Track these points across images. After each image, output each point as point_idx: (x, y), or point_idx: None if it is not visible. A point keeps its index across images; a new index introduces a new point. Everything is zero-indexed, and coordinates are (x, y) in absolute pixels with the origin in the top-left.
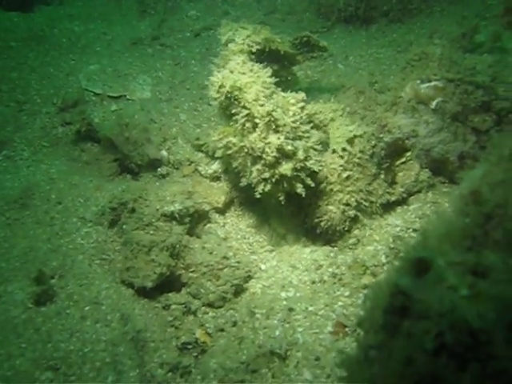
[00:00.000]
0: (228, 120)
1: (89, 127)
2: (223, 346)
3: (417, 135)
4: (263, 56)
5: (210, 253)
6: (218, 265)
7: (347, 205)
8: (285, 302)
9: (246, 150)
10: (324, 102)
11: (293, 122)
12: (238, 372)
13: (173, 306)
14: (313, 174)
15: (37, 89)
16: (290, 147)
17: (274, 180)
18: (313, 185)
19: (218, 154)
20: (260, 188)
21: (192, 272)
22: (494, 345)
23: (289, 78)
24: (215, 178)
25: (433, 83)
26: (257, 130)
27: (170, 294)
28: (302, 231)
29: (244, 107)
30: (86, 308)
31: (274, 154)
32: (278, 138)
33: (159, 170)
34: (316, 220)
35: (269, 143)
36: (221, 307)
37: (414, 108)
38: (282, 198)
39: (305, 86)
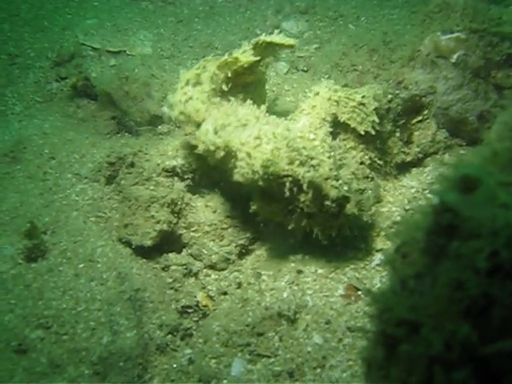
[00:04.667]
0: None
1: (85, 82)
2: (226, 308)
3: (435, 92)
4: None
5: (214, 211)
6: (222, 224)
7: (361, 163)
8: (293, 264)
9: (298, 210)
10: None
11: (328, 157)
12: (242, 335)
13: (173, 267)
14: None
15: (30, 42)
16: (345, 189)
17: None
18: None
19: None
20: (326, 235)
21: (194, 231)
22: None
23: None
24: None
25: (455, 34)
26: (307, 193)
27: (169, 255)
28: None
29: (285, 176)
30: (80, 265)
31: (335, 204)
32: (333, 187)
33: (159, 127)
34: None
35: (325, 196)
36: (224, 269)
37: (433, 62)
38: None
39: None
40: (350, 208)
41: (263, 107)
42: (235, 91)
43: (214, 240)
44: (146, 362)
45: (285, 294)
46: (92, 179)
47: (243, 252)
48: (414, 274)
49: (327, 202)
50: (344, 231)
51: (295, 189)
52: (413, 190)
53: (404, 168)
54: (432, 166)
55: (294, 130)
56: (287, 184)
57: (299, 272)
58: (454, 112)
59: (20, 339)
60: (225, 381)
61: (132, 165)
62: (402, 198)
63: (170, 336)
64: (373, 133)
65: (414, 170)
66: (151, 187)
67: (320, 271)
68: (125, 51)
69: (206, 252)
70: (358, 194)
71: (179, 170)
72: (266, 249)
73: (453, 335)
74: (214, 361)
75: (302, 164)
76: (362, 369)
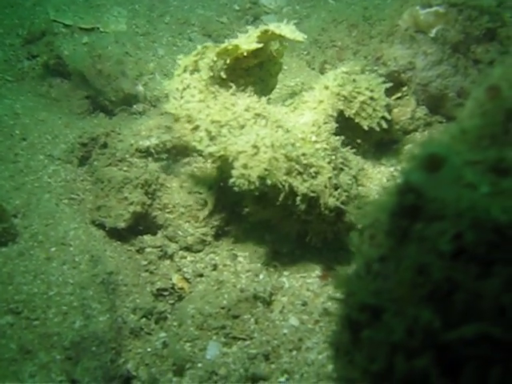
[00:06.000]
0: None
1: (57, 60)
2: (202, 291)
3: (414, 68)
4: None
5: (189, 192)
6: (198, 205)
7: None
8: (269, 245)
9: (294, 216)
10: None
11: (328, 162)
12: (217, 318)
13: (147, 250)
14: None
15: None
16: (344, 198)
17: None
18: None
19: None
20: (321, 239)
21: (169, 213)
22: None
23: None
24: None
25: (434, 8)
26: (302, 204)
27: (144, 237)
28: None
29: (282, 186)
30: (52, 249)
31: (333, 213)
32: (332, 197)
33: (135, 106)
34: None
35: (324, 204)
36: (200, 251)
37: (412, 37)
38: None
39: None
40: (349, 216)
41: (264, 99)
42: (235, 75)
43: (189, 221)
44: (119, 347)
45: (261, 276)
46: (65, 160)
47: (219, 233)
48: (378, 257)
49: (325, 212)
50: (340, 235)
51: (291, 197)
52: (391, 169)
53: (383, 146)
54: (411, 144)
55: (294, 130)
56: (282, 194)
57: (275, 253)
58: (434, 88)
59: None
60: (200, 364)
61: (105, 145)
62: (380, 177)
63: (144, 319)
64: (377, 129)
65: (394, 148)
66: (124, 168)
67: (297, 252)
68: (98, 28)
69: (181, 234)
70: (357, 199)
71: (153, 151)
72: (242, 230)
73: (415, 321)
74: (188, 344)
75: (299, 174)
76: (331, 352)
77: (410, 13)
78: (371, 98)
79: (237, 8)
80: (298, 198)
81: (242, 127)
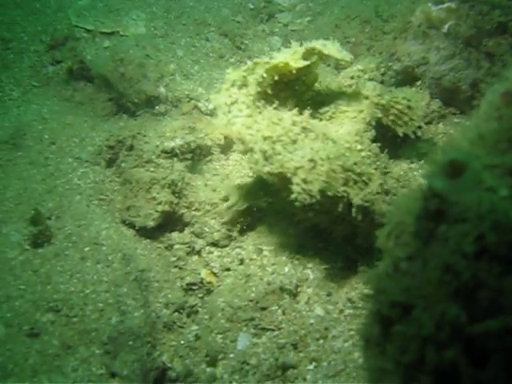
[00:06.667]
0: None
1: (81, 65)
2: (230, 284)
3: (427, 62)
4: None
5: (214, 190)
6: (223, 202)
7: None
8: (294, 239)
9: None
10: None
11: (375, 169)
12: (246, 310)
13: (176, 246)
14: None
15: (23, 26)
16: None
17: None
18: None
19: None
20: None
21: (195, 210)
22: None
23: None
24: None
25: (445, 4)
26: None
27: (172, 234)
28: None
29: (340, 197)
30: (86, 249)
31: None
32: (385, 203)
33: (157, 107)
34: None
35: (377, 210)
36: (226, 246)
37: (425, 33)
38: None
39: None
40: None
41: (306, 112)
42: (277, 90)
43: (215, 218)
44: (154, 340)
45: (286, 269)
46: (93, 162)
47: (244, 228)
48: (405, 257)
49: (377, 217)
50: None
51: (347, 206)
52: (408, 161)
53: (399, 140)
54: (426, 137)
55: (339, 140)
56: (341, 205)
57: (300, 246)
58: (447, 81)
59: (32, 323)
60: (231, 355)
61: (131, 148)
62: (397, 170)
63: (176, 314)
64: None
65: (409, 141)
66: (151, 169)
67: (320, 245)
68: (118, 32)
69: (207, 230)
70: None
71: (178, 151)
72: (266, 225)
73: (443, 316)
74: (220, 336)
75: (355, 183)
76: (361, 343)
77: (422, 9)
78: (408, 107)
79: (251, 7)
80: (354, 210)
81: (295, 142)
